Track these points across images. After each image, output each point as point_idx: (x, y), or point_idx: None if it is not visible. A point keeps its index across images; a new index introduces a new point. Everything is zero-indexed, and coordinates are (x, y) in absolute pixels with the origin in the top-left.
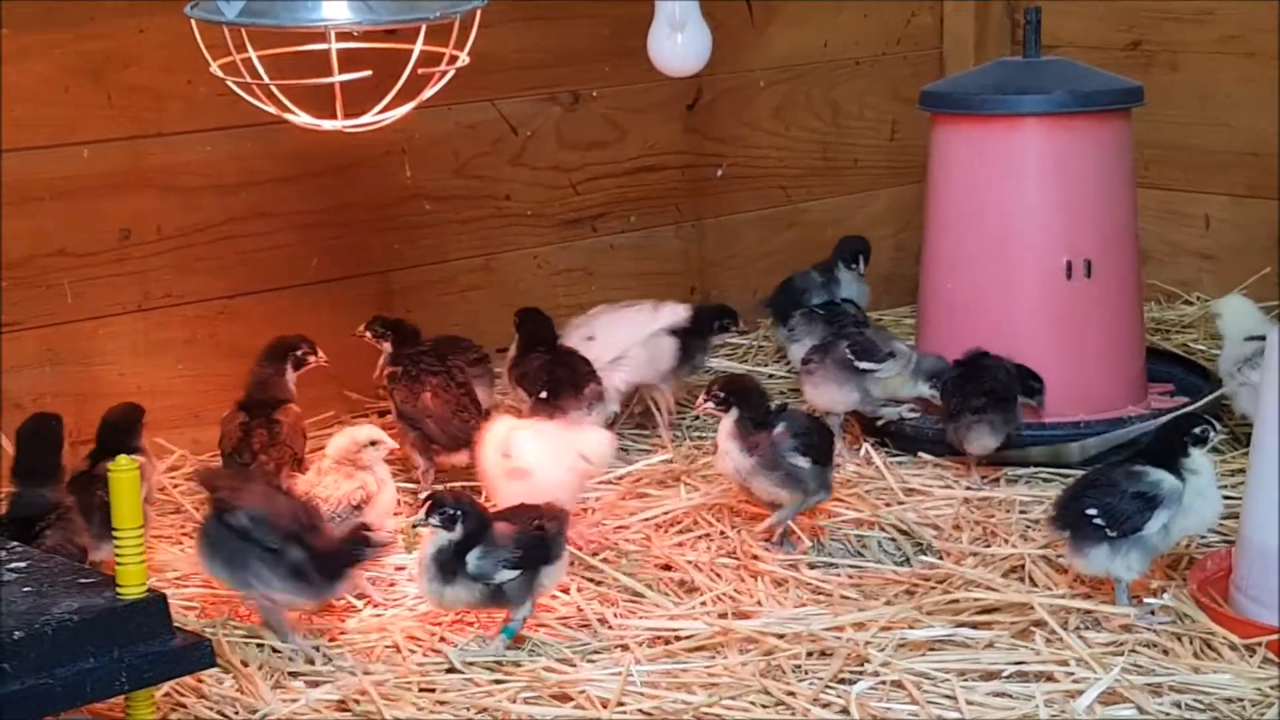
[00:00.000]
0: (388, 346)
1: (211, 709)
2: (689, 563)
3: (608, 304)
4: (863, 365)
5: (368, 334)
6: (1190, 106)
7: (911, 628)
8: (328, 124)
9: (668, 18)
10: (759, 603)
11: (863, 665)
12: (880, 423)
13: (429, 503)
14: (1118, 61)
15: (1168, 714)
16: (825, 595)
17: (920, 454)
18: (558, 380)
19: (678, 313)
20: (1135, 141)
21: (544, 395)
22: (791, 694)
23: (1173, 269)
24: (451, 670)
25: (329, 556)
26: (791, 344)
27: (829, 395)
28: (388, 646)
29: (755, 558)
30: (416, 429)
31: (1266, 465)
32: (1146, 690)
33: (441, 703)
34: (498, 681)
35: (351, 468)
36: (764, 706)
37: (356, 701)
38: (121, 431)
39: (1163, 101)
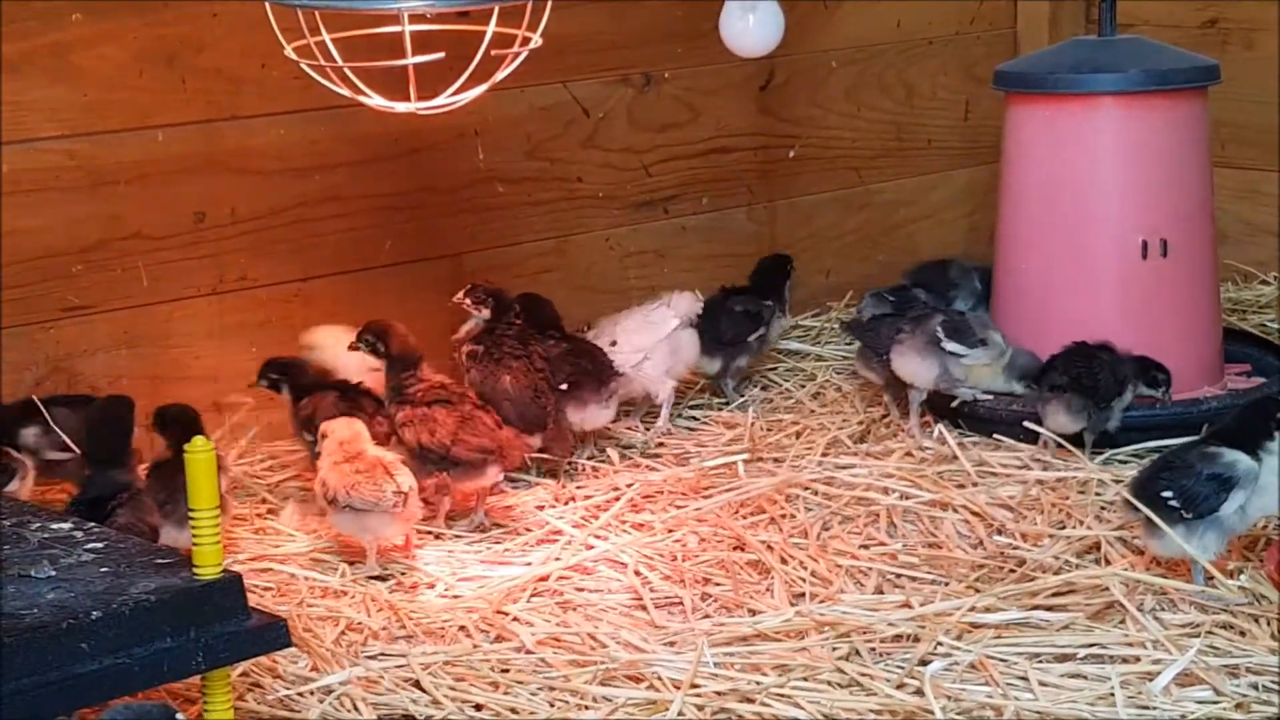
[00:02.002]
0: (486, 313)
1: (288, 689)
2: (762, 543)
3: (630, 309)
4: (949, 347)
5: (467, 300)
6: (1267, 84)
7: (987, 610)
8: (401, 106)
9: None
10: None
11: (936, 647)
12: (955, 403)
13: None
14: (1194, 40)
15: (1245, 695)
16: (899, 578)
17: (995, 435)
18: (582, 371)
19: (692, 305)
20: (1212, 120)
21: (564, 387)
22: (866, 675)
23: (1249, 249)
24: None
25: None
26: None
27: (911, 368)
28: (460, 628)
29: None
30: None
31: None
32: (1223, 672)
33: (517, 682)
34: (572, 663)
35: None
36: (838, 687)
37: (432, 678)
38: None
39: (1239, 80)
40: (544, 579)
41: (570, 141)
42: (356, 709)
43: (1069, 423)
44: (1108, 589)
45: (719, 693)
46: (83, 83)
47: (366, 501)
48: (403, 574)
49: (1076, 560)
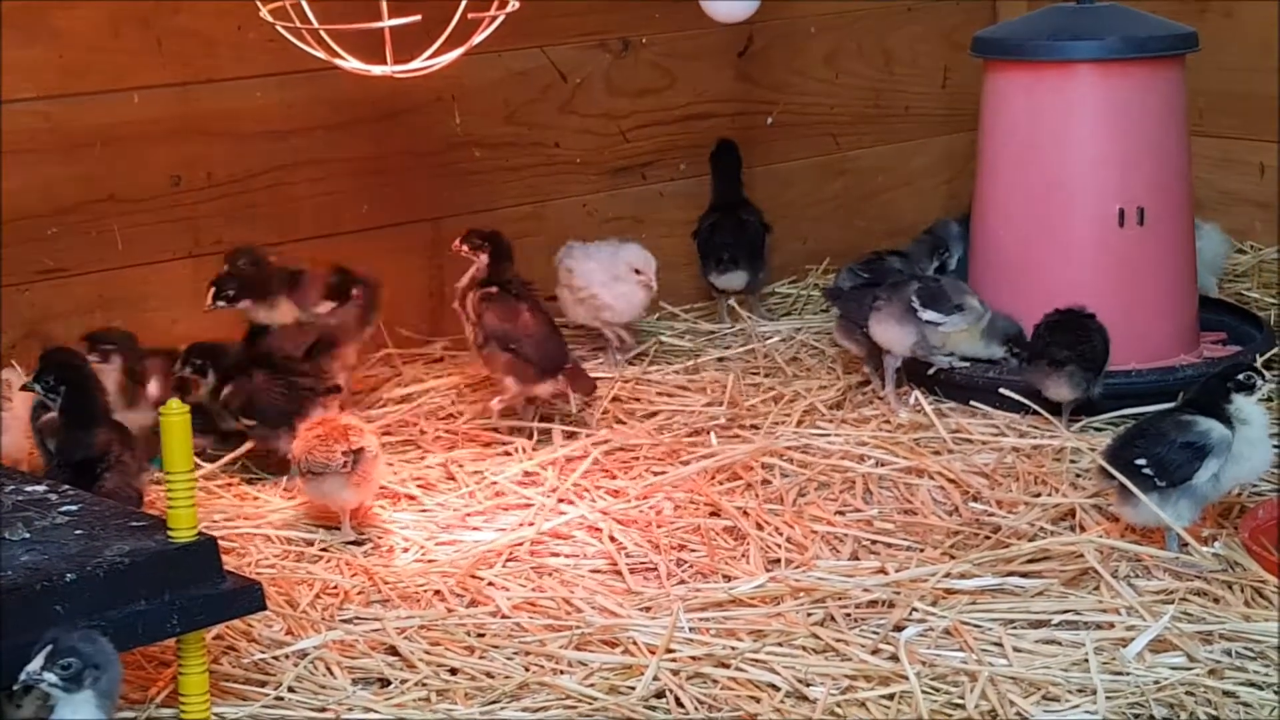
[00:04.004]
0: (484, 259)
1: (263, 653)
2: (738, 509)
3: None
4: (925, 315)
5: (464, 247)
6: (1245, 53)
7: (962, 576)
8: (377, 69)
9: None
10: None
11: (911, 613)
12: (931, 370)
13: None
14: (1172, 7)
15: (1218, 662)
16: (874, 544)
17: (971, 402)
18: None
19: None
20: (1189, 88)
21: None
22: (841, 640)
23: (1227, 217)
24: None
25: None
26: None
27: (888, 335)
28: (435, 592)
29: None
30: (509, 350)
31: None
32: (1197, 638)
33: (492, 647)
34: (548, 627)
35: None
36: (812, 652)
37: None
38: None
39: (1217, 48)
40: (519, 544)
41: (548, 106)
42: (331, 673)
43: (1069, 394)
44: (1082, 555)
45: (694, 658)
46: (58, 44)
47: (319, 464)
48: (379, 538)
49: (1051, 527)
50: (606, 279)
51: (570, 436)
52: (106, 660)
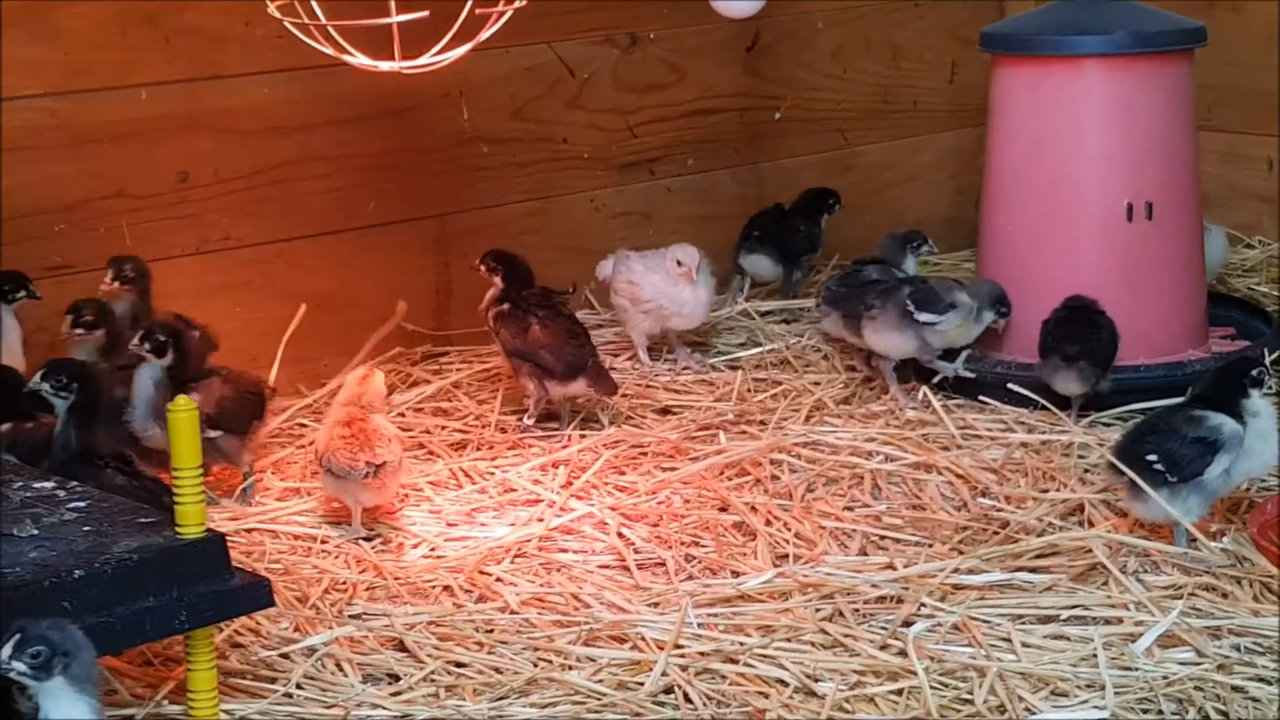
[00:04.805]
0: (499, 280)
1: (272, 649)
2: (746, 505)
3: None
4: (921, 317)
5: (482, 267)
6: (1253, 48)
7: (970, 572)
8: (385, 65)
9: None
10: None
11: (920, 608)
12: (936, 378)
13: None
14: (1180, 3)
15: (1227, 657)
16: (883, 539)
17: (979, 398)
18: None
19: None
20: (1197, 83)
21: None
22: (850, 636)
23: (1235, 212)
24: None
25: None
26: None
27: (888, 341)
28: (444, 588)
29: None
30: (530, 361)
31: None
32: (1205, 633)
33: (501, 643)
34: (556, 623)
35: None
36: (821, 648)
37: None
38: None
39: (1225, 43)
40: (528, 539)
41: (555, 102)
42: (340, 669)
43: (1078, 388)
44: (1091, 551)
45: (703, 653)
46: (64, 41)
47: (340, 468)
48: (392, 531)
49: (1060, 522)
50: (668, 288)
51: (582, 435)
52: (75, 647)
